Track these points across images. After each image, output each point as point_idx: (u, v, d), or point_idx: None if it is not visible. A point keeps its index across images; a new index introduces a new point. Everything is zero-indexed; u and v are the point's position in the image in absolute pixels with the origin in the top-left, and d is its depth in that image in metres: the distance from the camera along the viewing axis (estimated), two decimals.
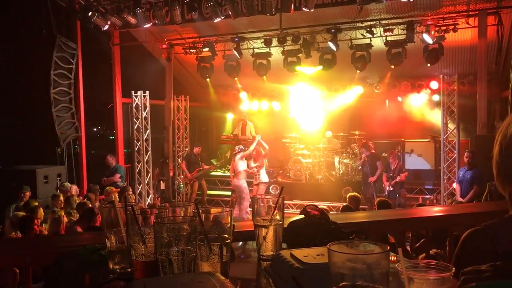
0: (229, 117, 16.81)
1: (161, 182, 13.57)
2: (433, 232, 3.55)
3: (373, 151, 11.64)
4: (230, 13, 9.56)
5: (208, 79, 13.44)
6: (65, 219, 6.70)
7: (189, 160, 12.89)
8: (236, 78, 13.18)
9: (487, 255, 1.33)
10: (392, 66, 11.26)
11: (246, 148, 11.19)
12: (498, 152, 1.40)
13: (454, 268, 0.93)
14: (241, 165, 10.76)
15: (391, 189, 10.72)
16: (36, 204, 7.57)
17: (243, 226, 1.95)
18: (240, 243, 1.69)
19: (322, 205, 8.03)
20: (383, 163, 11.35)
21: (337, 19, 10.96)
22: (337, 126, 13.89)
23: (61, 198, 8.52)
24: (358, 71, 11.66)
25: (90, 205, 7.72)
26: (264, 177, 11.04)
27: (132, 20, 10.14)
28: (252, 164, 10.99)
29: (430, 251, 4.54)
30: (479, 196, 8.66)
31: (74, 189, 9.63)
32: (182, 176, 13.55)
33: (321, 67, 11.63)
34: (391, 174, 10.88)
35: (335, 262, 0.87)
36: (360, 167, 11.89)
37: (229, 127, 16.52)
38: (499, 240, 1.35)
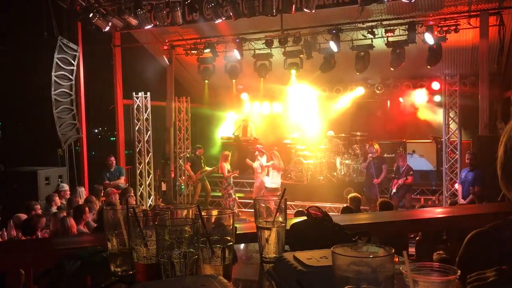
0: (231, 118, 16.76)
1: (162, 183, 13.55)
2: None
3: (379, 154, 11.56)
4: (231, 14, 9.54)
5: (206, 81, 13.52)
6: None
7: (193, 162, 12.89)
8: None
9: (491, 256, 1.32)
10: (392, 69, 11.21)
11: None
12: (503, 153, 1.40)
13: (459, 271, 0.92)
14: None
15: (394, 191, 10.64)
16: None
17: (245, 228, 1.95)
18: (243, 245, 1.68)
19: (322, 205, 8.01)
20: (391, 164, 11.28)
21: (338, 20, 10.95)
22: (338, 127, 13.86)
23: (56, 198, 8.46)
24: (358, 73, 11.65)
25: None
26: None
27: (133, 21, 10.13)
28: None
29: (436, 254, 4.52)
30: (480, 197, 8.64)
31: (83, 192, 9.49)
32: (184, 177, 13.53)
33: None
34: (393, 175, 10.84)
35: (339, 265, 0.86)
36: (364, 169, 11.82)
37: (231, 128, 16.47)
38: (503, 241, 1.34)
